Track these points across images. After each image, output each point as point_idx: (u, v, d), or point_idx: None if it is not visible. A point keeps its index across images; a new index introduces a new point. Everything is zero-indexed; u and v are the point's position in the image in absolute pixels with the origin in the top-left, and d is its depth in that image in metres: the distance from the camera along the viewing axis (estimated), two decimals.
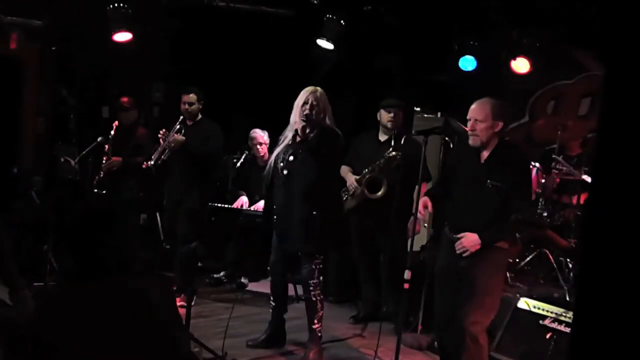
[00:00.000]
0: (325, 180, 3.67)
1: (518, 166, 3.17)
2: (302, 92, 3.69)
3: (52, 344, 1.69)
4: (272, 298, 3.96)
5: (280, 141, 3.81)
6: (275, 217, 3.79)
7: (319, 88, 3.71)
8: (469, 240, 3.06)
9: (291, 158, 3.67)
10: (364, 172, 4.41)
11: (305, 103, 3.64)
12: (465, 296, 3.09)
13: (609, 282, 1.05)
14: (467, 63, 5.35)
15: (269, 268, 3.98)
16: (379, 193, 4.35)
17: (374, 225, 4.50)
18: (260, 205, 5.30)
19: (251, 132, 5.51)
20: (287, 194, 3.67)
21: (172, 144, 4.62)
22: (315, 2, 5.21)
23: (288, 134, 3.74)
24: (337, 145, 3.67)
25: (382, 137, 4.55)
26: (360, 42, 5.62)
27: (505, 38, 5.17)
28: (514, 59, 5.03)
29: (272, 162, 3.80)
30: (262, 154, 5.47)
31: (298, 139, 3.64)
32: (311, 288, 3.72)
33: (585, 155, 4.73)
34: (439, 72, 5.64)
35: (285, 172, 3.67)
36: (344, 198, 4.50)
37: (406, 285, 3.15)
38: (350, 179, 4.48)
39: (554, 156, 4.69)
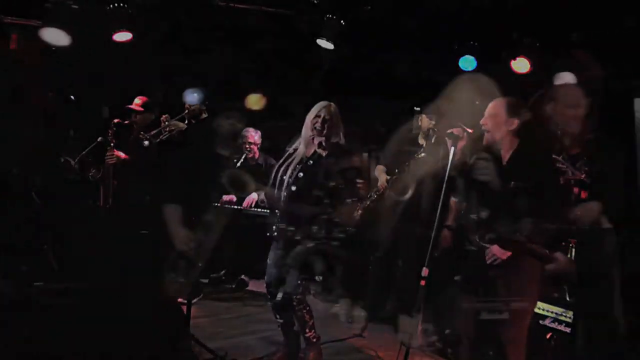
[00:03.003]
0: (333, 201, 3.52)
1: (543, 165, 3.01)
2: (315, 106, 3.59)
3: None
4: (277, 316, 3.75)
5: (287, 153, 3.68)
6: (275, 234, 3.61)
7: (332, 103, 3.61)
8: (500, 248, 2.91)
9: (300, 175, 3.54)
10: (395, 172, 4.32)
11: (317, 116, 3.55)
12: (497, 309, 2.94)
13: (608, 282, 1.05)
14: (467, 63, 5.35)
15: (265, 286, 3.78)
16: (405, 196, 4.20)
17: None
18: (253, 197, 5.28)
19: (243, 130, 5.51)
20: (292, 212, 3.50)
21: (172, 127, 4.64)
22: (315, 2, 5.21)
23: (299, 148, 3.62)
24: (349, 165, 3.52)
25: (422, 141, 4.47)
26: (360, 42, 5.61)
27: (505, 38, 5.16)
28: (514, 59, 5.02)
29: (279, 174, 3.62)
30: (251, 155, 5.48)
31: (309, 153, 3.55)
32: (295, 303, 3.57)
33: (585, 155, 4.72)
34: (439, 72, 5.62)
35: (293, 188, 3.53)
36: (372, 197, 4.39)
37: (422, 282, 2.99)
38: (382, 178, 4.40)
39: (554, 156, 4.68)
